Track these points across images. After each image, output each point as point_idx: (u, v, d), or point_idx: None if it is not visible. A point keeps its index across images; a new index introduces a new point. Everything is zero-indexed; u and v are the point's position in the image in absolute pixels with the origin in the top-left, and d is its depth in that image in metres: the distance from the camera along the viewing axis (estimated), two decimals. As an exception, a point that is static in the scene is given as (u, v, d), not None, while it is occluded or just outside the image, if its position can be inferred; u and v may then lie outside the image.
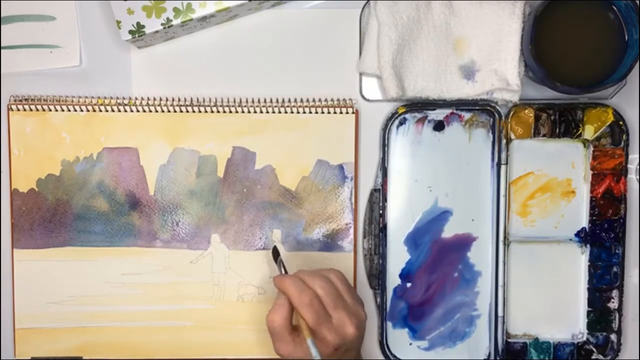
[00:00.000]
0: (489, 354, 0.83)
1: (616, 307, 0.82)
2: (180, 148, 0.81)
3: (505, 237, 0.82)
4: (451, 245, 0.83)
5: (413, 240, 0.83)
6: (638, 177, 0.83)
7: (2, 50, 0.80)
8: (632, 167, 0.82)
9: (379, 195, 0.82)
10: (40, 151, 0.81)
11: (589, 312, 0.83)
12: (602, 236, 0.82)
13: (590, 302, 0.83)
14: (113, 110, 0.81)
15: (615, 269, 0.82)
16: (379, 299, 0.83)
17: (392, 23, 0.78)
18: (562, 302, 0.83)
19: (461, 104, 0.81)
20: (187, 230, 0.82)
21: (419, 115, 0.82)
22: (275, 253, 0.80)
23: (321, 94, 0.81)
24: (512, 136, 0.81)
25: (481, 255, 0.83)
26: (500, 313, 0.82)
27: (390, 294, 0.83)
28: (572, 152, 0.82)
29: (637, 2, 0.73)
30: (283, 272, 0.78)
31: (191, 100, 0.81)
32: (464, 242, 0.83)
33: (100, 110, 0.81)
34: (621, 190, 0.82)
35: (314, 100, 0.81)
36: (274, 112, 0.81)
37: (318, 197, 0.82)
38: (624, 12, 0.74)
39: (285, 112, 0.81)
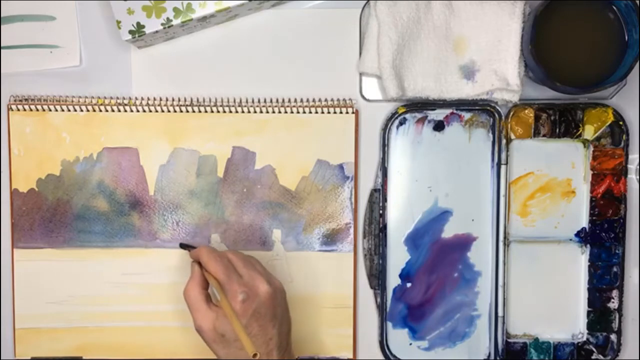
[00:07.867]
0: (489, 354, 0.83)
1: (616, 307, 0.82)
2: (180, 148, 0.81)
3: (505, 237, 0.82)
4: (451, 245, 0.83)
5: (413, 241, 0.83)
6: (638, 177, 0.83)
7: (2, 50, 0.80)
8: (632, 167, 0.82)
9: (379, 195, 0.82)
10: (40, 151, 0.81)
11: (589, 312, 0.83)
12: (602, 236, 0.82)
13: (590, 302, 0.83)
14: (113, 110, 0.80)
15: (615, 269, 0.82)
16: (379, 299, 0.83)
17: (392, 23, 0.78)
18: (562, 302, 0.83)
19: (461, 104, 0.81)
20: (187, 230, 0.82)
21: (419, 115, 0.82)
22: (182, 246, 0.81)
23: (321, 94, 0.81)
24: (512, 136, 0.81)
25: (481, 255, 0.83)
26: (500, 313, 0.82)
27: (390, 294, 0.83)
28: (572, 152, 0.82)
29: (637, 2, 0.73)
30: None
31: (191, 100, 0.81)
32: (464, 242, 0.83)
33: (100, 110, 0.80)
34: (621, 190, 0.82)
35: (314, 100, 0.81)
36: (274, 112, 0.81)
37: (318, 197, 0.82)
38: (624, 12, 0.74)
39: (285, 112, 0.81)
